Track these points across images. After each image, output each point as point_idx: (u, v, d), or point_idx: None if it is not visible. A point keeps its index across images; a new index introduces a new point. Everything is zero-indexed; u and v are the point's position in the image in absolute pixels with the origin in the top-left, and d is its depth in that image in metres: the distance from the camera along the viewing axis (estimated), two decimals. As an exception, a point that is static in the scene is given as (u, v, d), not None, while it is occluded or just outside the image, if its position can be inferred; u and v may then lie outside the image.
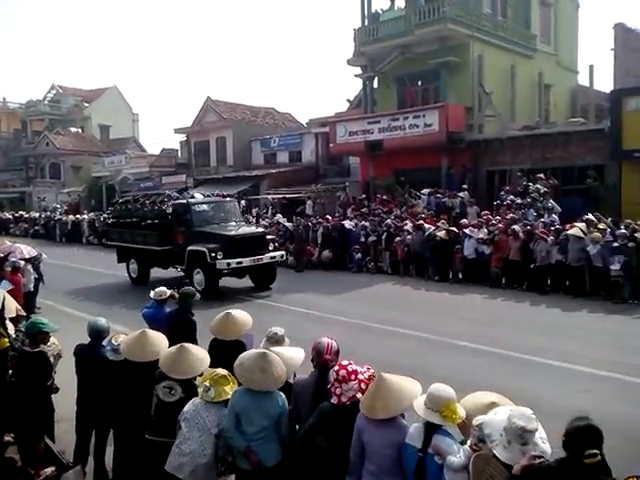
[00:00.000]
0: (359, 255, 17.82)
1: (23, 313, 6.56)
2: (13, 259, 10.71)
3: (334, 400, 3.74)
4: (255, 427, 3.93)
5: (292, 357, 4.42)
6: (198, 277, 14.33)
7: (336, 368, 3.80)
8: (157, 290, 6.89)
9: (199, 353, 4.60)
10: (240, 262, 14.24)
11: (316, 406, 3.91)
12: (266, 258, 14.95)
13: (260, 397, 3.96)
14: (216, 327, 5.37)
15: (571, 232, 13.03)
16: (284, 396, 4.05)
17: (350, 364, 3.82)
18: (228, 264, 14.06)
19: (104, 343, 5.28)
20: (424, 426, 3.37)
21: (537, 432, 2.94)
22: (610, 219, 13.86)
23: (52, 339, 5.46)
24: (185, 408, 4.17)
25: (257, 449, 3.92)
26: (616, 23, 22.39)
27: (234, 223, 15.82)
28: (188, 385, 4.43)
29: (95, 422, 5.28)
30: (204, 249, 14.15)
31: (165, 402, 4.44)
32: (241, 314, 5.48)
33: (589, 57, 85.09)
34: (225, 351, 4.90)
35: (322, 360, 4.09)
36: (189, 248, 14.67)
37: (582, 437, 2.81)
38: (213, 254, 13.99)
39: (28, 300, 11.07)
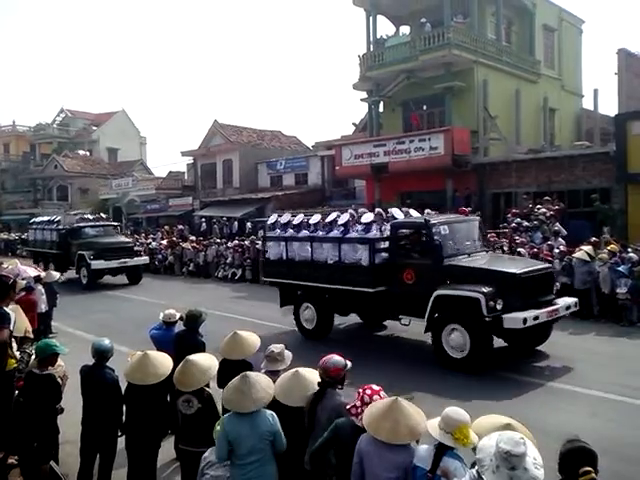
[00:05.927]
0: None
1: (31, 335, 6.40)
2: (24, 280, 10.34)
3: (358, 422, 3.69)
4: (250, 451, 3.90)
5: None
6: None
7: (368, 392, 3.78)
8: (167, 312, 6.92)
9: (205, 363, 4.77)
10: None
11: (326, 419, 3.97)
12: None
13: (249, 417, 3.96)
14: (224, 347, 5.40)
15: (577, 255, 13.02)
16: (274, 415, 4.04)
17: (381, 391, 3.80)
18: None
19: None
20: (435, 448, 3.36)
21: (528, 457, 2.79)
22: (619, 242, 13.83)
23: (59, 361, 5.45)
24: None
25: (253, 474, 3.91)
26: (619, 48, 22.53)
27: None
28: (201, 394, 4.63)
29: (100, 444, 5.23)
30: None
31: (187, 415, 4.66)
32: (249, 335, 5.49)
33: (593, 81, 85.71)
34: (233, 371, 4.87)
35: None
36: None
37: (576, 458, 2.80)
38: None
39: (41, 322, 10.62)
